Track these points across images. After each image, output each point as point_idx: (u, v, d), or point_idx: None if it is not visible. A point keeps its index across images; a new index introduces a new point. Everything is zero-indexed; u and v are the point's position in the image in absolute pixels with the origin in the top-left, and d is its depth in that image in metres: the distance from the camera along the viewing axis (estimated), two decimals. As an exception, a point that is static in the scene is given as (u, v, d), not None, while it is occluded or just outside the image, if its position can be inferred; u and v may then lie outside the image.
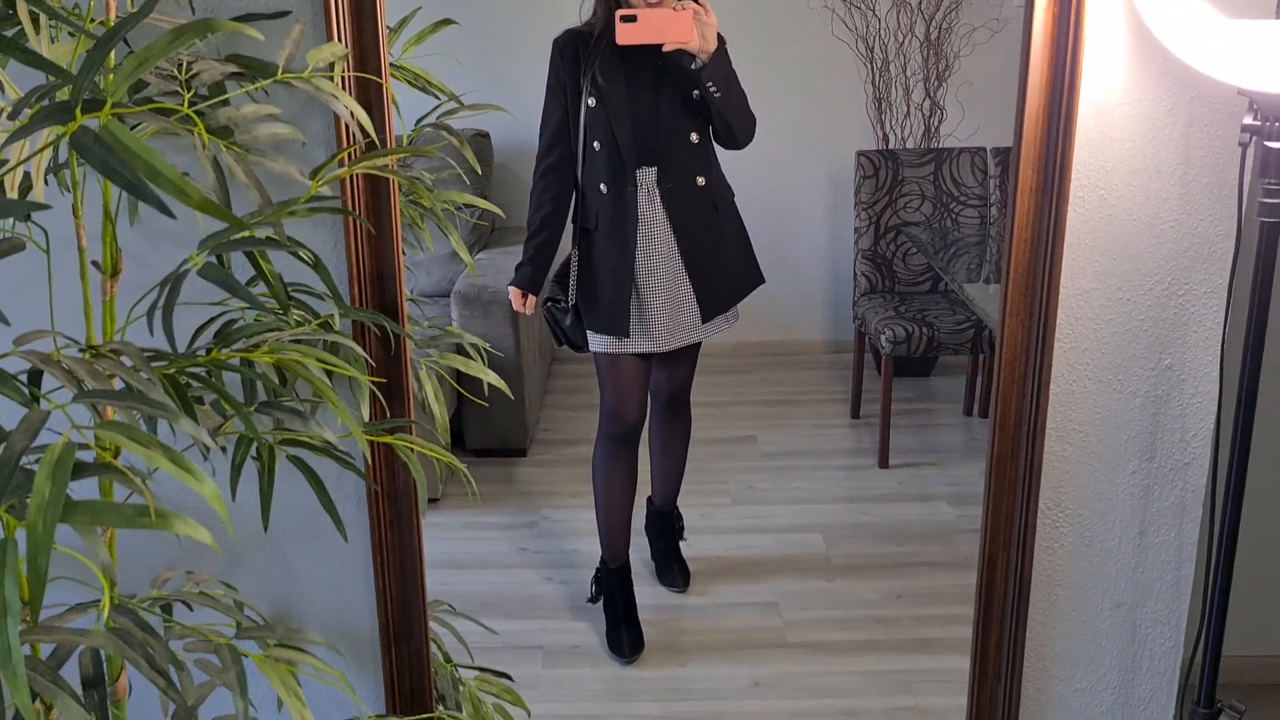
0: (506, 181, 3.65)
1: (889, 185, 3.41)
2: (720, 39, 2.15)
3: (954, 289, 3.20)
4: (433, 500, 2.95)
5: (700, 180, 2.31)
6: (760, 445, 3.38)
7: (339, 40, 1.34)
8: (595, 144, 2.27)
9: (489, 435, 3.24)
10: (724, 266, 2.39)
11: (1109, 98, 1.40)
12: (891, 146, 3.72)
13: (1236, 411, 1.40)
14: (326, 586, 1.59)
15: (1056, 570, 1.62)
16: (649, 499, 2.77)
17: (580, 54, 2.25)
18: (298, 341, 1.21)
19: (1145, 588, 1.62)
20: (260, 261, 1.22)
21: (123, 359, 0.97)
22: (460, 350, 1.56)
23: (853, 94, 3.74)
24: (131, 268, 1.30)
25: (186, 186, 0.82)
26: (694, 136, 2.28)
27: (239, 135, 1.18)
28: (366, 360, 1.27)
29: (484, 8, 3.61)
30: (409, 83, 1.57)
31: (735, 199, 2.43)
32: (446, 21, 1.62)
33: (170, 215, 0.81)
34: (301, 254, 1.23)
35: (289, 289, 1.31)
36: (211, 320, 1.32)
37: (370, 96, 1.34)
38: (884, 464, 3.20)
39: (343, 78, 1.31)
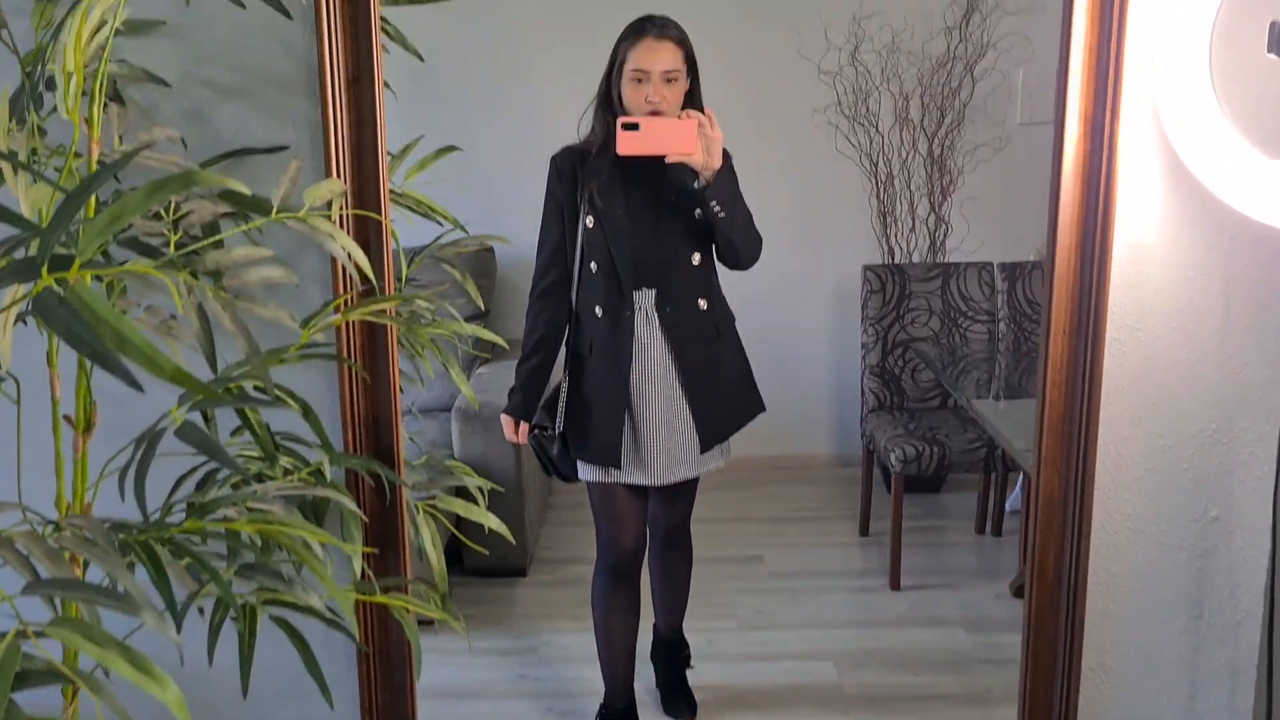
0: (510, 295, 3.61)
1: (896, 300, 3.35)
2: (725, 155, 2.07)
3: (963, 406, 3.12)
4: (428, 623, 2.83)
5: (702, 303, 2.22)
6: (768, 565, 3.27)
7: (338, 175, 1.28)
8: (592, 265, 2.19)
9: (487, 554, 3.12)
10: (725, 393, 2.29)
11: (1143, 236, 1.34)
12: (897, 261, 3.68)
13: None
14: (310, 751, 1.47)
15: (1099, 735, 1.51)
16: (655, 625, 2.65)
17: (578, 172, 2.17)
18: (286, 496, 1.12)
19: (1196, 755, 1.50)
20: (247, 411, 1.14)
21: (86, 533, 0.88)
22: (460, 489, 1.47)
23: (857, 208, 3.72)
24: (110, 410, 1.22)
25: (158, 356, 0.74)
26: (696, 257, 2.19)
27: (228, 279, 1.11)
28: (360, 516, 1.18)
29: (487, 125, 3.62)
30: (411, 209, 1.52)
31: (739, 313, 2.35)
32: (450, 148, 1.58)
33: (138, 389, 0.73)
34: (291, 402, 1.15)
35: (277, 437, 1.23)
36: (193, 470, 1.23)
37: (369, 234, 1.28)
38: (895, 585, 3.09)
39: (341, 214, 1.25)
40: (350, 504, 1.17)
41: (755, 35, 3.64)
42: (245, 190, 0.88)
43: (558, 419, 2.26)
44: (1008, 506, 3.40)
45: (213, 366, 1.07)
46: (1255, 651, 1.46)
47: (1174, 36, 1.25)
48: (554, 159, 2.22)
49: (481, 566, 3.15)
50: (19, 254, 0.91)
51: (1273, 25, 1.17)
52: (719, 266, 2.26)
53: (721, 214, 2.08)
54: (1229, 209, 1.28)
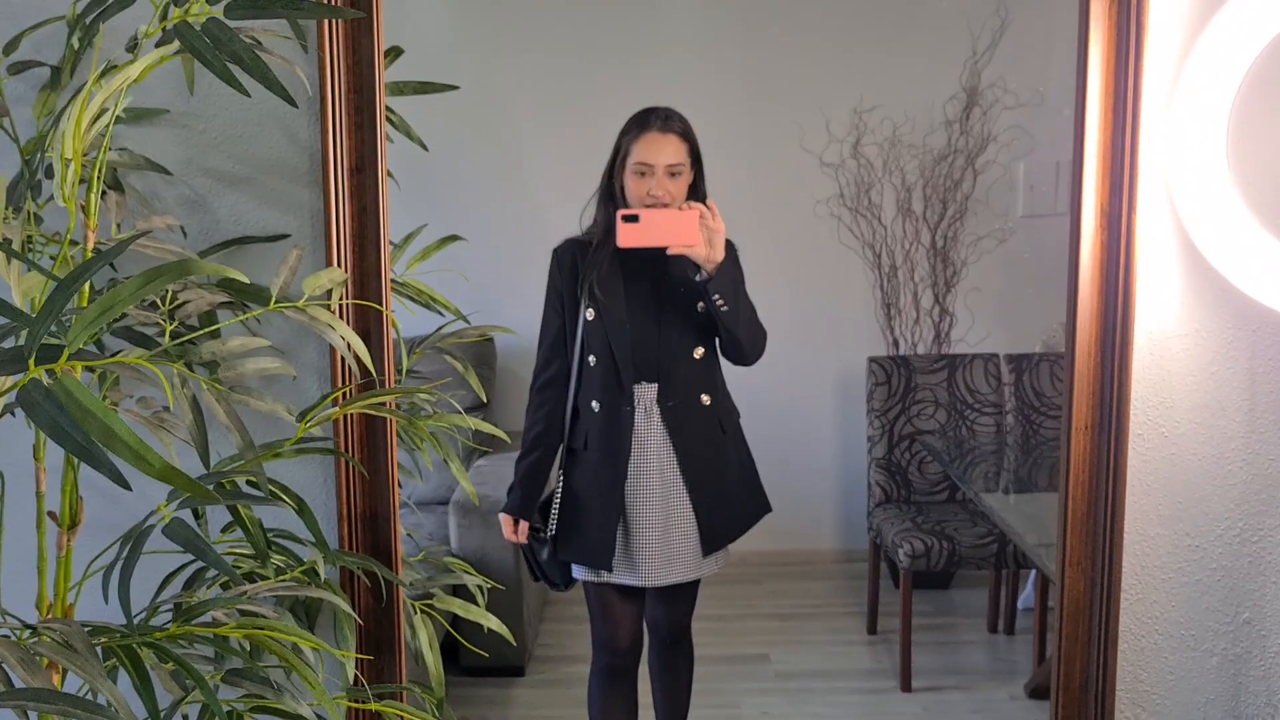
0: (510, 384, 3.57)
1: (902, 392, 3.32)
2: (730, 246, 2.03)
3: (972, 499, 3.06)
4: (421, 728, 2.72)
5: (705, 398, 2.16)
6: (774, 665, 3.17)
7: (339, 264, 1.25)
8: (590, 359, 2.14)
9: (487, 656, 3.03)
10: (729, 494, 2.21)
11: (1164, 328, 1.31)
12: (901, 352, 3.66)
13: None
14: None
15: None
16: (655, 730, 2.55)
17: (579, 264, 2.13)
18: (278, 596, 1.07)
19: None
20: (239, 507, 1.09)
21: (64, 638, 0.83)
22: (459, 586, 1.42)
23: (861, 300, 3.71)
24: (98, 504, 1.17)
25: (147, 452, 0.70)
26: (699, 351, 2.14)
27: (224, 370, 1.07)
28: (354, 618, 1.12)
29: (489, 214, 3.62)
30: (412, 299, 1.49)
31: (741, 405, 2.28)
32: (454, 238, 1.56)
33: (126, 487, 0.69)
34: (285, 499, 1.10)
35: (271, 533, 1.18)
36: (182, 567, 1.18)
37: (370, 324, 1.24)
38: (906, 687, 2.98)
39: (341, 304, 1.22)
40: (344, 605, 1.11)
41: (757, 127, 3.67)
42: (243, 278, 0.85)
43: (550, 522, 2.20)
44: (1020, 604, 3.32)
45: (205, 461, 1.03)
46: (1295, 764, 1.40)
47: (1190, 126, 1.23)
48: (555, 251, 2.19)
49: (478, 665, 3.06)
50: (10, 343, 0.88)
51: (1290, 116, 1.16)
52: (723, 361, 2.21)
53: (724, 307, 2.03)
54: (1250, 300, 1.25)
